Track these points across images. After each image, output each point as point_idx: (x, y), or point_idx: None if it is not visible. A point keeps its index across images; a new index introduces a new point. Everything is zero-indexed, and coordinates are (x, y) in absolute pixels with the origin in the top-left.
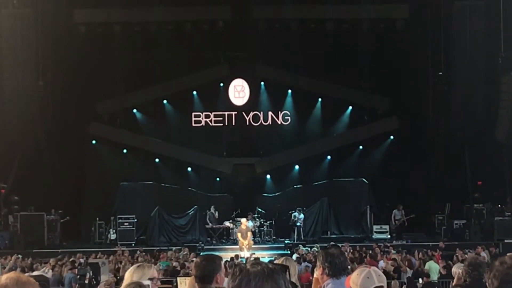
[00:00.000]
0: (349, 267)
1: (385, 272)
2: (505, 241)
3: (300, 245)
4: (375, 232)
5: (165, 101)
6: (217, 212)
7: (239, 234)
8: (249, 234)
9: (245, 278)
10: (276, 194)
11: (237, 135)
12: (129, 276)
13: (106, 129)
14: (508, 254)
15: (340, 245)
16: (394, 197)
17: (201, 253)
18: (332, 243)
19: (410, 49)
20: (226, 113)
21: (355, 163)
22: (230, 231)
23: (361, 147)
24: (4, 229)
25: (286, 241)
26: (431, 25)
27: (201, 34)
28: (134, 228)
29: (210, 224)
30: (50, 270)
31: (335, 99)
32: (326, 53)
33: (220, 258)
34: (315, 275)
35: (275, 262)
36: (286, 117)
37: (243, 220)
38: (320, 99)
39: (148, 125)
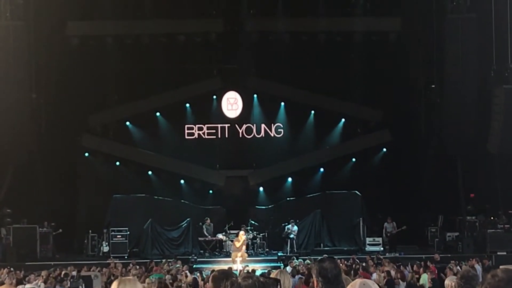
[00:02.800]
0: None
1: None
2: (498, 253)
3: (294, 257)
4: (368, 244)
5: (158, 113)
6: (212, 224)
7: (236, 243)
8: (243, 246)
9: None
10: (269, 206)
11: (230, 147)
12: None
13: (99, 141)
14: (500, 267)
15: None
16: (387, 210)
17: (194, 266)
18: (325, 255)
19: (402, 62)
20: (219, 125)
21: (348, 176)
22: (223, 243)
23: (354, 159)
24: None
25: (279, 254)
26: (423, 38)
27: (194, 46)
28: (126, 241)
29: (209, 236)
30: (43, 283)
31: (328, 111)
32: (319, 65)
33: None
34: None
35: (270, 275)
36: (279, 130)
37: (241, 232)
38: (313, 112)
39: (141, 137)
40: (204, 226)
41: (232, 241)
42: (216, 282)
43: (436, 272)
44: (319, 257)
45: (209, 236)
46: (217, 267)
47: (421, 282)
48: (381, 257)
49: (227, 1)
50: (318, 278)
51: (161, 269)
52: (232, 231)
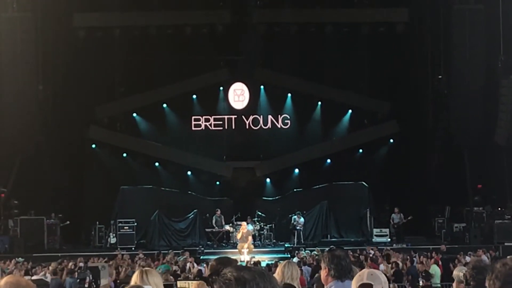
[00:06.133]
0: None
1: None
2: (505, 244)
3: (301, 248)
4: (375, 235)
5: (164, 105)
6: (222, 216)
7: (238, 235)
8: (250, 238)
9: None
10: (276, 197)
11: (237, 138)
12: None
13: (106, 133)
14: (508, 256)
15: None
16: (394, 201)
17: (201, 257)
18: (331, 246)
19: (409, 53)
20: (226, 117)
21: (355, 167)
22: (230, 234)
23: (361, 150)
24: (4, 233)
25: (286, 245)
26: (430, 29)
27: (201, 38)
28: (134, 232)
29: (217, 228)
30: (49, 274)
31: (335, 103)
32: (326, 56)
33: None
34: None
35: (277, 267)
36: (285, 121)
37: (243, 223)
38: (319, 103)
39: (148, 129)
40: (214, 217)
41: None
42: (210, 271)
43: (440, 263)
44: (326, 248)
45: (217, 227)
46: (225, 257)
47: (430, 272)
48: (389, 248)
49: None
50: (330, 266)
51: (165, 261)
52: (239, 223)
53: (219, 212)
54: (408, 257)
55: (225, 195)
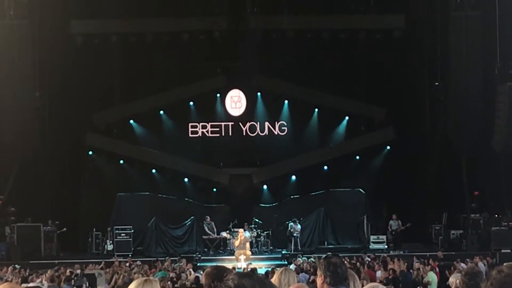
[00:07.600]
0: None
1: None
2: (502, 251)
3: (298, 255)
4: (372, 242)
5: (161, 112)
6: (212, 222)
7: (236, 242)
8: (247, 245)
9: None
10: (273, 204)
11: (234, 145)
12: None
13: (103, 139)
14: (505, 263)
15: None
16: (391, 207)
17: (198, 264)
18: (328, 253)
19: (406, 59)
20: (222, 123)
21: (352, 173)
22: (227, 241)
23: (358, 157)
24: (0, 240)
25: (283, 252)
26: (427, 35)
27: (198, 44)
28: (131, 239)
29: (212, 234)
30: (46, 282)
31: (332, 109)
32: (323, 63)
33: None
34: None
35: (274, 273)
36: (282, 127)
37: (240, 230)
38: (316, 109)
39: (145, 135)
40: (205, 225)
41: None
42: (209, 278)
43: (438, 270)
44: (323, 255)
45: (212, 234)
46: (221, 265)
47: (428, 279)
48: (386, 255)
49: None
50: (326, 273)
51: (163, 267)
52: (236, 229)
53: (208, 219)
54: (406, 263)
55: (222, 202)
